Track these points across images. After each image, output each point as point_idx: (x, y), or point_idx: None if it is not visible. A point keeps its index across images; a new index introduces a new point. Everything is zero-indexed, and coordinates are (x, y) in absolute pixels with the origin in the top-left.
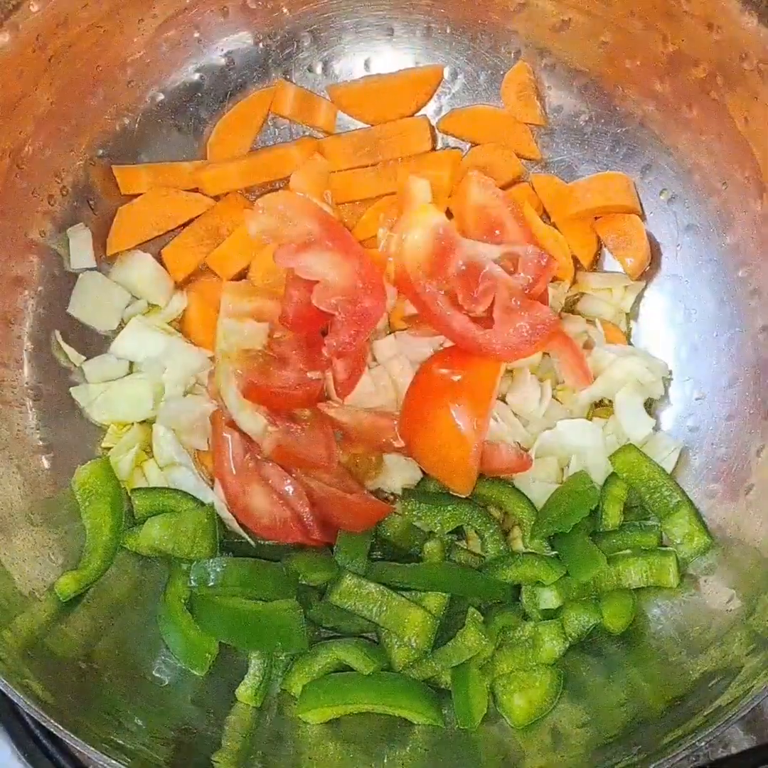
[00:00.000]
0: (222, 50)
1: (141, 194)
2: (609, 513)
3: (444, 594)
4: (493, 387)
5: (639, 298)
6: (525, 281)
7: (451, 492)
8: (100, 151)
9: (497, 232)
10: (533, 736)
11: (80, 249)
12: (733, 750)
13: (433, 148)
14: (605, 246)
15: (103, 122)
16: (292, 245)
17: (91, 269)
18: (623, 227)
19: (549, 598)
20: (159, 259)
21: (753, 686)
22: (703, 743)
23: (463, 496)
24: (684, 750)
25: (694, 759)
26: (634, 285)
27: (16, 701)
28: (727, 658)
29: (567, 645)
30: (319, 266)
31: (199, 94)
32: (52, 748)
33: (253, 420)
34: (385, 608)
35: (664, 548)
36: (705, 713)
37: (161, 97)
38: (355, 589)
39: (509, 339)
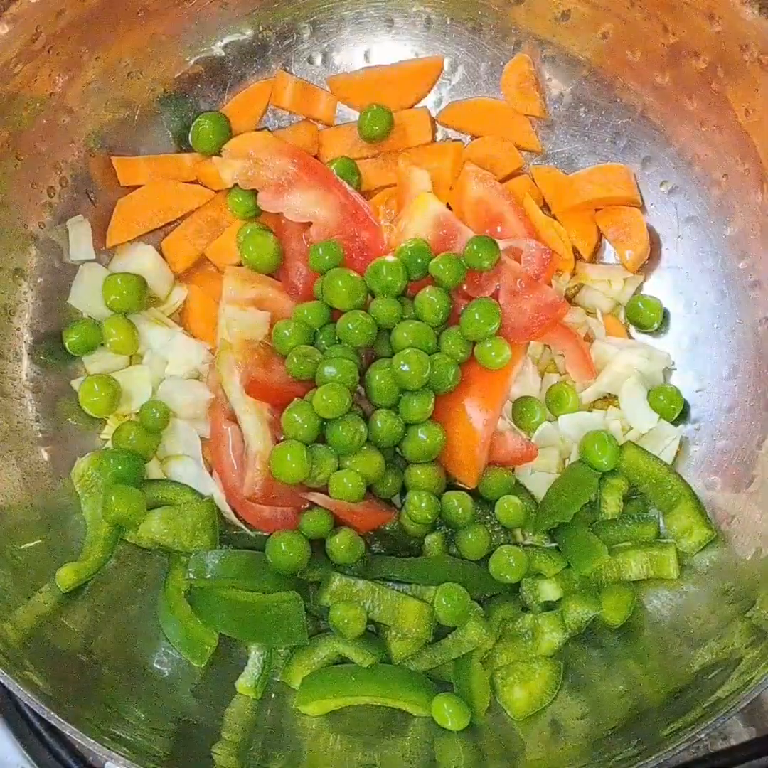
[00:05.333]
0: (221, 41)
1: (141, 186)
2: (608, 501)
3: None
4: (507, 380)
5: (639, 290)
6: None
7: (456, 483)
8: (100, 143)
9: (498, 227)
10: (533, 728)
11: (80, 241)
12: (733, 742)
13: (433, 140)
14: (605, 238)
15: (102, 113)
16: (272, 188)
17: (91, 261)
18: (623, 219)
19: (549, 590)
20: (159, 250)
21: (753, 678)
22: (702, 735)
23: (469, 488)
24: (684, 742)
25: (693, 751)
26: (633, 277)
27: (16, 693)
28: (727, 650)
29: (567, 637)
30: (306, 206)
31: (199, 86)
32: (53, 740)
33: (254, 427)
34: (378, 603)
35: (664, 540)
36: (704, 705)
37: (161, 88)
38: (346, 589)
39: (516, 321)
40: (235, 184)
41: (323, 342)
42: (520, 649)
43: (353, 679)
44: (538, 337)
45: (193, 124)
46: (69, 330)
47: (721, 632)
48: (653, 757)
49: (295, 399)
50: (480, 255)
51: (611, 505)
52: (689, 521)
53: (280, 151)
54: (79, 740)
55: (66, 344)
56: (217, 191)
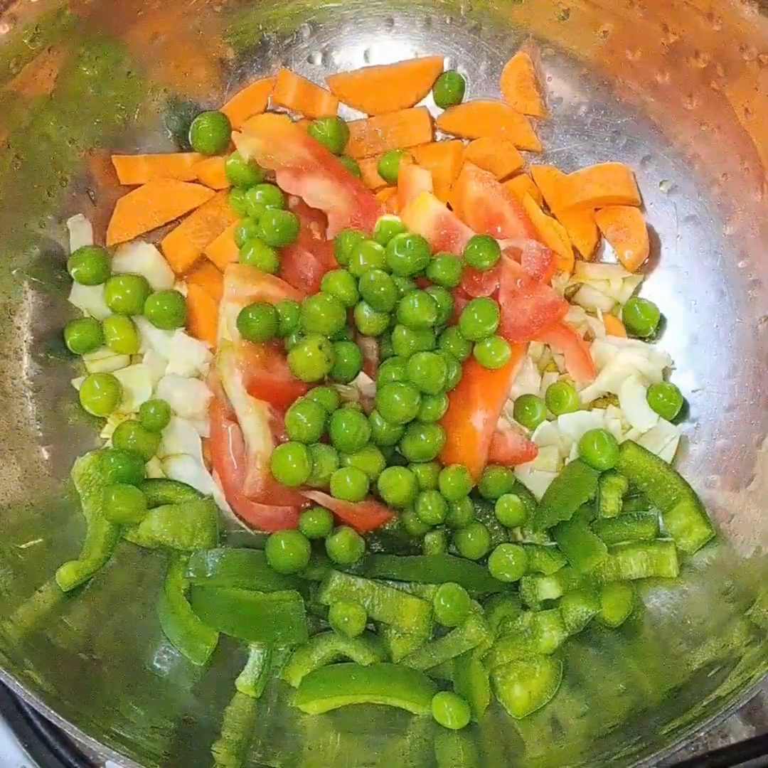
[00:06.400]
0: (222, 41)
1: (141, 185)
2: (608, 500)
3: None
4: (507, 379)
5: (638, 289)
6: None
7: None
8: (100, 143)
9: (498, 227)
10: (533, 726)
11: (80, 239)
12: (733, 740)
13: (433, 139)
14: (605, 237)
15: (102, 113)
16: (290, 171)
17: None
18: (623, 219)
19: (548, 589)
20: (159, 249)
21: (752, 676)
22: (702, 733)
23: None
24: (683, 740)
25: (693, 749)
26: (632, 277)
27: (17, 692)
28: (727, 649)
29: (566, 635)
30: (323, 193)
31: (199, 86)
32: (53, 739)
33: (255, 427)
34: (378, 602)
35: (663, 539)
36: (704, 703)
37: (161, 88)
38: (345, 588)
39: (516, 321)
40: (232, 185)
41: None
42: (519, 647)
43: (353, 677)
44: (538, 337)
45: (193, 123)
46: (70, 328)
47: (721, 631)
48: (653, 756)
49: (299, 397)
50: (480, 254)
51: (611, 503)
52: (689, 520)
53: (297, 137)
54: (79, 739)
55: (67, 342)
56: (217, 190)
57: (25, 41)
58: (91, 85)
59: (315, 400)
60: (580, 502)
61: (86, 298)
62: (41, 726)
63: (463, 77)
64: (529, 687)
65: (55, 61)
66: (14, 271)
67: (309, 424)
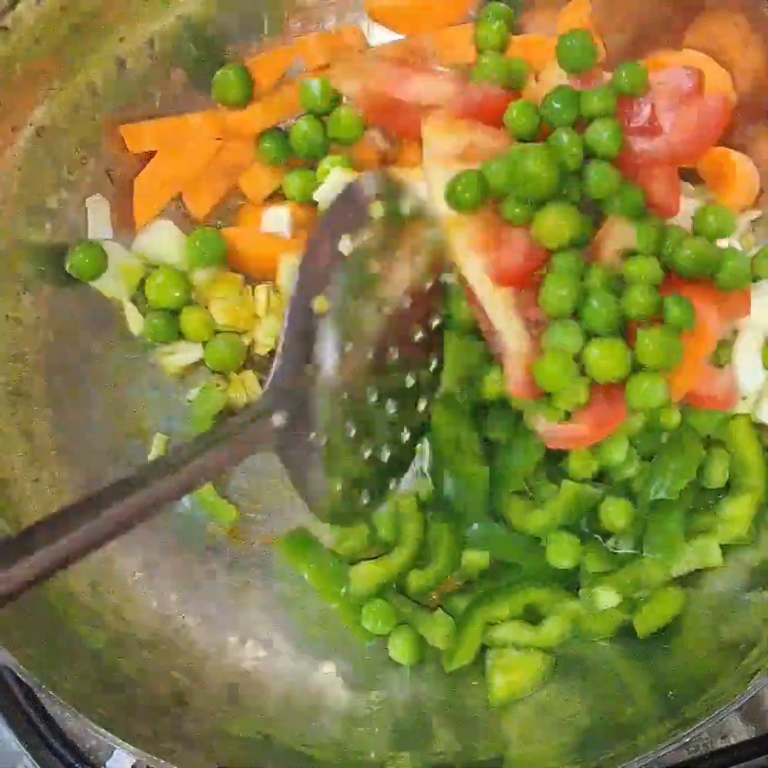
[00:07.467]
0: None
1: (151, 155)
2: (714, 471)
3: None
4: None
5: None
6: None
7: None
8: (121, 120)
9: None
10: (523, 723)
11: (98, 220)
12: (733, 740)
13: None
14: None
15: (124, 92)
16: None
17: (110, 240)
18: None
19: (607, 599)
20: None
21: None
22: (702, 733)
23: None
24: (680, 740)
25: (693, 749)
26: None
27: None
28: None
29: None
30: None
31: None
32: (54, 739)
33: (507, 322)
34: None
35: (705, 529)
36: (702, 703)
37: (181, 70)
38: None
39: (683, 134)
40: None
41: None
42: (519, 630)
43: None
44: (711, 143)
45: (217, 75)
46: (72, 250)
47: None
48: (651, 754)
49: (548, 272)
50: (632, 80)
51: (717, 474)
52: (741, 513)
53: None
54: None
55: (67, 266)
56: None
57: (42, 23)
58: (112, 64)
59: (565, 268)
60: (689, 477)
61: (104, 280)
62: (42, 725)
63: None
64: (512, 676)
65: (73, 40)
66: (31, 249)
67: (567, 297)
